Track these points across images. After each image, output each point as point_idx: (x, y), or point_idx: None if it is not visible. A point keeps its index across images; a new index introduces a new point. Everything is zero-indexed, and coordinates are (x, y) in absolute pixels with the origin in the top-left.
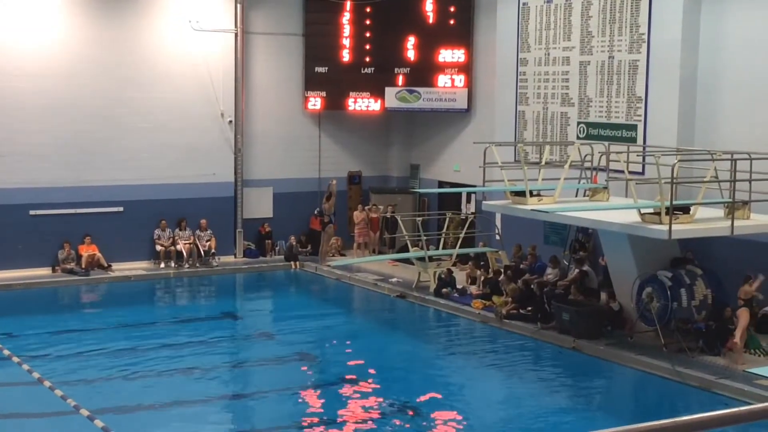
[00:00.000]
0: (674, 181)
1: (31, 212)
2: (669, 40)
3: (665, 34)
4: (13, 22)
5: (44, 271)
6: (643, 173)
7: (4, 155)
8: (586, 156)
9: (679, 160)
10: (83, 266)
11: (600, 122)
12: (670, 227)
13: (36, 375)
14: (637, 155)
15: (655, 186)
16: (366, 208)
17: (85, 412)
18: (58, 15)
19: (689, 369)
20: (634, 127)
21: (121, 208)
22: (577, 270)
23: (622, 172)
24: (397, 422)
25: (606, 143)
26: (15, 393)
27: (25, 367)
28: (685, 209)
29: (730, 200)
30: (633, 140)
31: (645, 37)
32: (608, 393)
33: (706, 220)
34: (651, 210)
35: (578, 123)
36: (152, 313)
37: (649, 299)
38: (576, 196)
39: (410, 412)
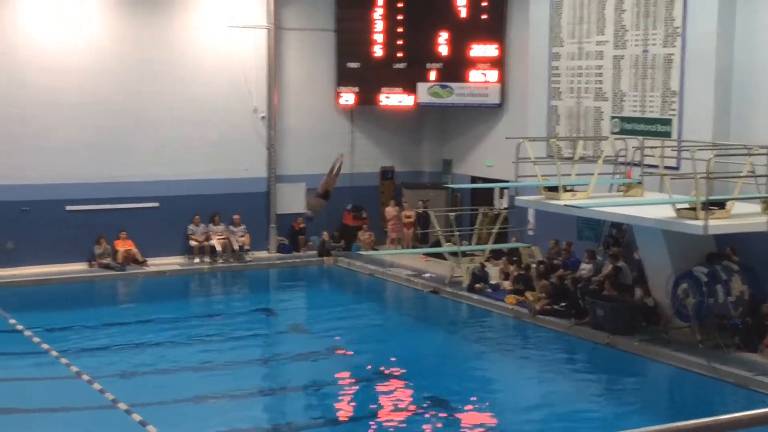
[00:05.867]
0: (710, 176)
1: (68, 208)
2: (704, 33)
3: (700, 27)
4: (49, 19)
5: (81, 266)
6: (678, 168)
7: (40, 151)
8: (620, 151)
9: (715, 155)
10: (119, 261)
11: (634, 117)
12: (706, 222)
13: (74, 369)
14: (672, 150)
15: (690, 181)
16: (400, 209)
17: (123, 406)
18: (93, 12)
19: (726, 365)
20: (668, 122)
21: (156, 204)
22: (611, 265)
23: (656, 167)
24: (430, 418)
25: (640, 138)
26: (54, 387)
27: (64, 361)
28: (721, 204)
29: (767, 195)
30: (668, 135)
31: (680, 30)
32: (643, 389)
33: (743, 216)
34: (686, 205)
35: (612, 117)
36: (187, 308)
37: (685, 295)
38: (610, 191)
39: (443, 408)
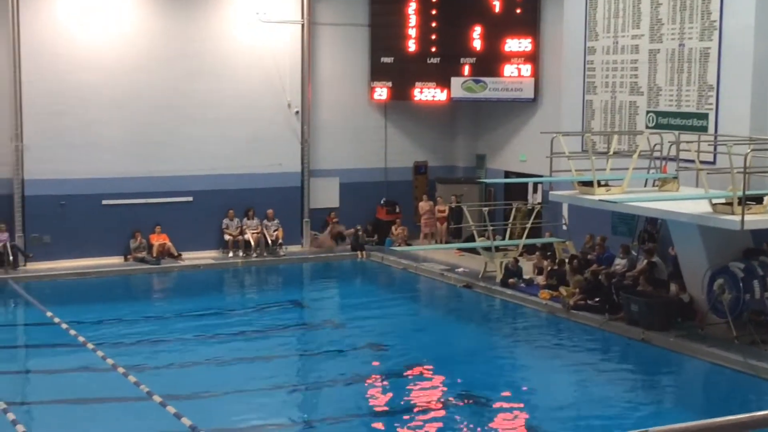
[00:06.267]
0: (747, 170)
1: (104, 202)
2: (742, 27)
3: (738, 20)
4: (85, 15)
5: (117, 260)
6: (714, 163)
7: (78, 146)
8: (655, 145)
9: (752, 149)
10: (154, 255)
11: (670, 111)
12: (743, 218)
13: (110, 361)
14: (709, 144)
15: (726, 176)
16: (433, 204)
17: (157, 398)
18: (129, 8)
19: (762, 362)
20: (705, 116)
21: (190, 198)
22: (645, 261)
23: (692, 161)
24: (462, 412)
25: (676, 132)
26: (90, 379)
27: (100, 353)
28: (758, 199)
29: None
30: (704, 129)
31: (717, 24)
32: (678, 385)
33: None
34: (723, 200)
35: (647, 112)
36: (221, 301)
37: (721, 291)
38: (645, 186)
39: (476, 402)
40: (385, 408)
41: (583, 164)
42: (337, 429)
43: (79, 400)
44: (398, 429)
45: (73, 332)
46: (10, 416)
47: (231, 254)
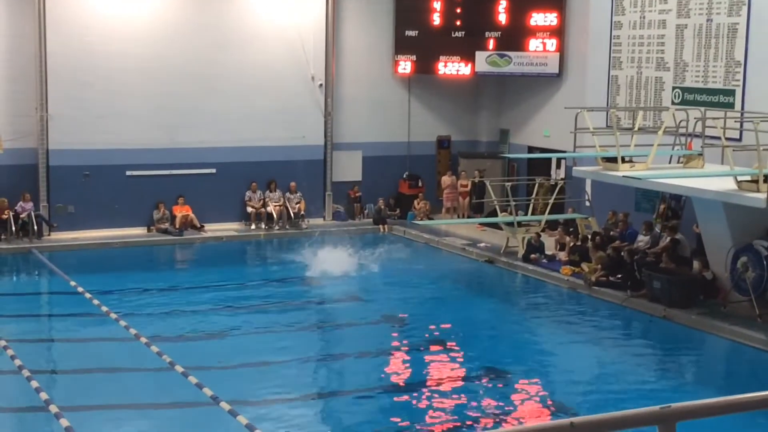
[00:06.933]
0: None
1: (128, 173)
2: None
3: None
4: None
5: (140, 231)
6: (740, 140)
7: (102, 117)
8: (681, 122)
9: None
10: (177, 226)
11: (696, 87)
12: None
13: (133, 331)
14: (735, 121)
15: (752, 153)
16: (456, 179)
17: (179, 369)
18: None
19: None
20: (731, 93)
21: (213, 170)
22: (668, 238)
23: (718, 138)
24: (482, 386)
25: (702, 109)
26: (113, 348)
27: (123, 323)
28: None
29: None
30: (730, 106)
31: None
32: (700, 363)
33: None
34: (748, 177)
35: (673, 88)
36: (243, 273)
37: (744, 268)
38: (669, 162)
39: (496, 377)
40: (406, 381)
41: (608, 140)
42: (357, 402)
43: (102, 369)
44: (418, 402)
45: (96, 302)
46: (34, 384)
47: (253, 226)
